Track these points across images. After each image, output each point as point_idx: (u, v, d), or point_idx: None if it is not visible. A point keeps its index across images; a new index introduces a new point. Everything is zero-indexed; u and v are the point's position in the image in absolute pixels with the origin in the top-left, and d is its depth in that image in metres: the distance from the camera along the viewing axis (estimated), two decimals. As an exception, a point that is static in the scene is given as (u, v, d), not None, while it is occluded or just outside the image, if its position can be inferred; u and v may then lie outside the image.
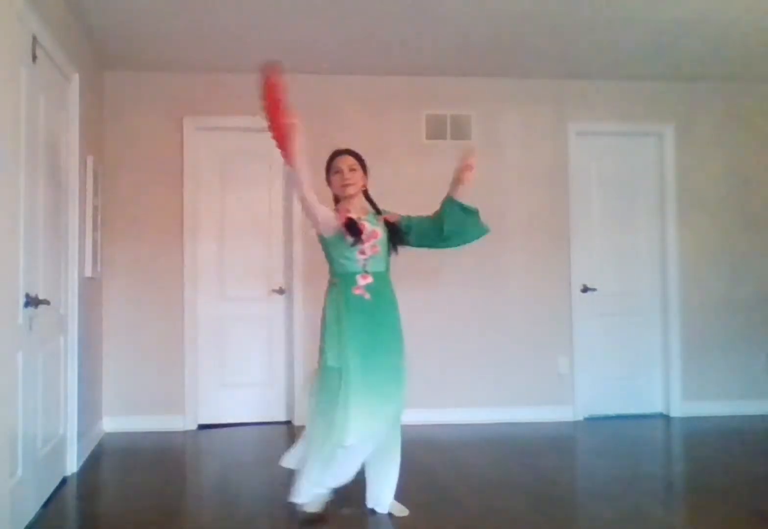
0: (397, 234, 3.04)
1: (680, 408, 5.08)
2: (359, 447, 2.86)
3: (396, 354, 2.97)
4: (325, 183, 3.14)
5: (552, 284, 5.05)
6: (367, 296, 2.92)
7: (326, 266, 4.81)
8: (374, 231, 2.97)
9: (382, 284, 2.99)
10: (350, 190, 3.01)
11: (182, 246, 4.79)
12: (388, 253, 3.07)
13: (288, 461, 3.10)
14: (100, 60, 4.53)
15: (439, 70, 4.87)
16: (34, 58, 3.07)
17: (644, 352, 5.19)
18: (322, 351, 2.96)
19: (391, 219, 3.07)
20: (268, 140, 5.36)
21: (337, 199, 3.11)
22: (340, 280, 2.99)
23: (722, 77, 5.09)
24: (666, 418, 5.09)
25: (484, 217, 4.96)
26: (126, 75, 4.78)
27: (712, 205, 5.19)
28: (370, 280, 2.94)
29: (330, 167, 3.09)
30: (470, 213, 3.03)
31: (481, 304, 4.97)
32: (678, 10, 3.83)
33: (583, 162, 5.14)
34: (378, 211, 3.09)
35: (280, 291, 4.97)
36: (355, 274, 2.95)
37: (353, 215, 2.95)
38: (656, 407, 5.17)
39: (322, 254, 4.78)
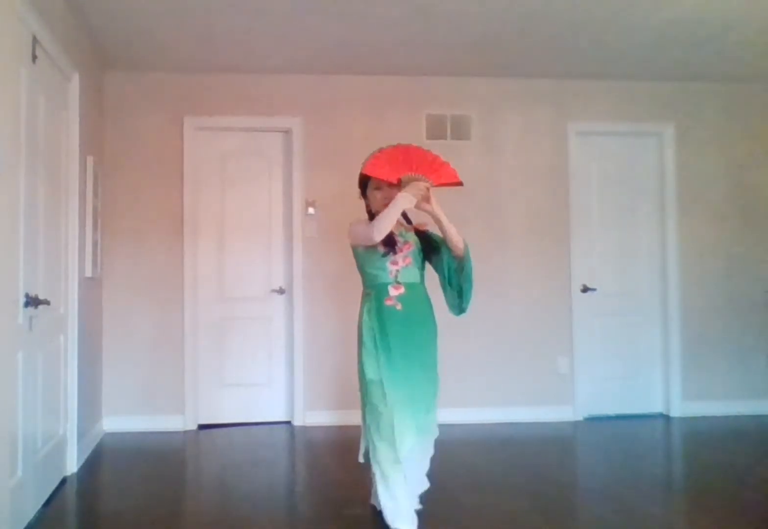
0: (429, 244, 3.02)
1: (680, 408, 5.08)
2: (407, 461, 2.81)
3: (429, 366, 2.93)
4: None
5: (552, 284, 5.05)
6: (399, 306, 2.88)
7: (326, 266, 4.88)
8: (407, 243, 2.97)
9: (415, 295, 2.95)
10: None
11: (182, 246, 4.79)
12: (423, 265, 3.05)
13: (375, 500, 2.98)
14: (100, 60, 4.53)
15: (439, 70, 4.87)
16: (34, 58, 3.07)
17: (644, 352, 5.19)
18: (360, 364, 2.90)
19: (422, 228, 3.06)
20: (268, 140, 5.40)
21: (370, 212, 3.02)
22: (372, 291, 2.94)
23: (722, 77, 5.08)
24: (666, 418, 5.08)
25: (484, 216, 5.01)
26: (126, 75, 4.78)
27: (712, 205, 5.19)
28: (402, 290, 2.90)
29: (368, 182, 3.00)
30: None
31: (481, 304, 4.96)
32: (678, 10, 3.83)
33: (583, 162, 5.14)
34: (409, 222, 3.08)
35: (280, 291, 4.97)
36: (387, 284, 2.91)
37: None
38: (656, 407, 5.17)
39: (322, 254, 4.85)
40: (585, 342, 5.07)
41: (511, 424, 4.83)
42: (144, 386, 4.71)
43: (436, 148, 4.89)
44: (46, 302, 3.08)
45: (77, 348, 3.81)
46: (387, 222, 2.79)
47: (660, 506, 3.25)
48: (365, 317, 2.91)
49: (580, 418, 5.01)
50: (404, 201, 2.80)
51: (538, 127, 5.10)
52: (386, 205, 2.86)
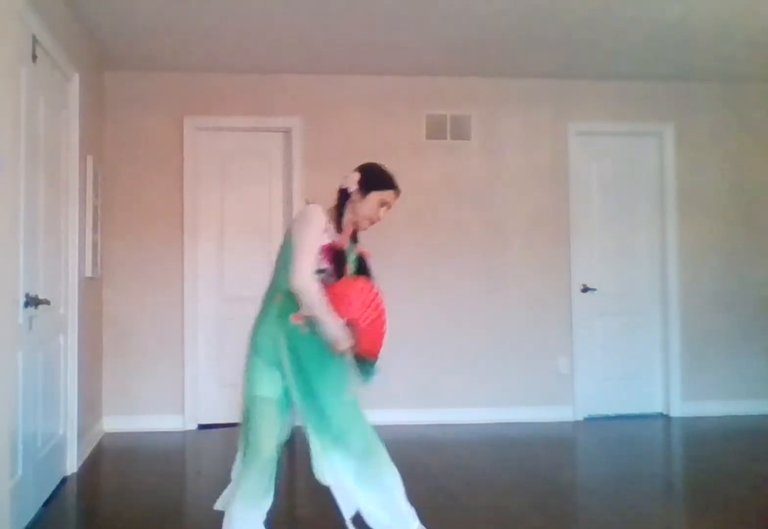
0: (365, 272, 2.51)
1: (680, 408, 5.08)
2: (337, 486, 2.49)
3: (336, 392, 2.49)
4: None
5: (552, 284, 5.04)
6: (306, 329, 2.38)
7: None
8: (347, 266, 2.49)
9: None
10: (367, 228, 2.54)
11: (182, 246, 4.79)
12: None
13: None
14: (100, 60, 4.53)
15: (439, 70, 4.87)
16: (34, 58, 3.07)
17: (644, 352, 5.18)
18: (249, 376, 2.49)
19: (367, 254, 2.58)
20: (268, 140, 5.39)
21: (338, 209, 2.49)
22: (285, 299, 2.45)
23: (722, 77, 5.08)
24: (666, 418, 5.08)
25: (484, 216, 5.01)
26: (126, 75, 4.78)
27: (712, 205, 5.19)
28: None
29: (381, 193, 2.48)
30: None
31: (481, 304, 4.97)
32: (678, 9, 3.82)
33: (583, 162, 5.14)
34: (355, 241, 2.58)
35: (280, 291, 4.96)
36: None
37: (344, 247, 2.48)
38: (656, 407, 5.17)
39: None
40: (585, 342, 5.07)
41: (511, 424, 4.82)
42: (144, 386, 4.71)
43: (436, 148, 4.98)
44: (46, 302, 3.08)
45: (77, 348, 3.81)
46: (317, 313, 2.35)
47: (660, 506, 3.25)
48: (268, 323, 2.53)
49: (580, 418, 5.01)
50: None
51: (538, 127, 5.10)
52: (371, 224, 2.50)
